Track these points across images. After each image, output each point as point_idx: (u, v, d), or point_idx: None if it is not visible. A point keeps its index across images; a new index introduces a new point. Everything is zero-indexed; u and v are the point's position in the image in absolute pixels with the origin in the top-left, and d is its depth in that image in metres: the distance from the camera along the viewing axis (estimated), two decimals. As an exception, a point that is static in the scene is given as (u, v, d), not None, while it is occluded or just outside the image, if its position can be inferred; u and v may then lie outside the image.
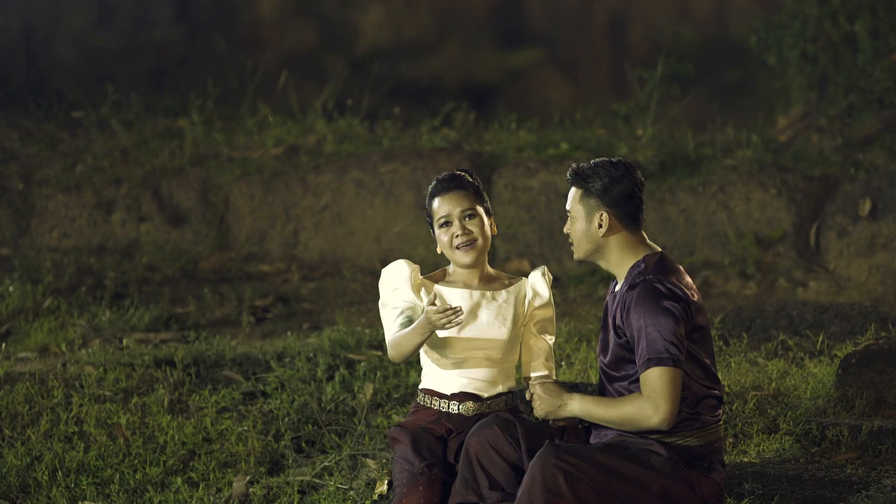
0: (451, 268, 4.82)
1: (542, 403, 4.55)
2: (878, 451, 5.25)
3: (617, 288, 4.53)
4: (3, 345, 7.32)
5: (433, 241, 4.83)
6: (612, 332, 4.49)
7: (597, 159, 4.54)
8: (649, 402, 4.34)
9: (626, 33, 12.01)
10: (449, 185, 4.75)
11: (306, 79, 11.55)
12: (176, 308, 8.31)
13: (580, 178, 4.52)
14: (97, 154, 10.27)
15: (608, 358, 4.51)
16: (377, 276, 4.84)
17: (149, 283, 8.94)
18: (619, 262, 4.52)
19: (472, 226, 4.72)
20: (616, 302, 4.49)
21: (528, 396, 4.60)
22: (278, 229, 9.66)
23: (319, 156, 9.89)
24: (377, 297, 4.80)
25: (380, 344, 6.73)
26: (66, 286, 8.68)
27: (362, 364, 6.45)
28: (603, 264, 4.56)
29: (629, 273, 4.48)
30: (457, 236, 4.72)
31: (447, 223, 4.73)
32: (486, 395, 4.72)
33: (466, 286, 4.75)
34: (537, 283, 4.79)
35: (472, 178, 4.80)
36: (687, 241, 8.95)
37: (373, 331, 6.93)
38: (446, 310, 4.44)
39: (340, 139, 10.14)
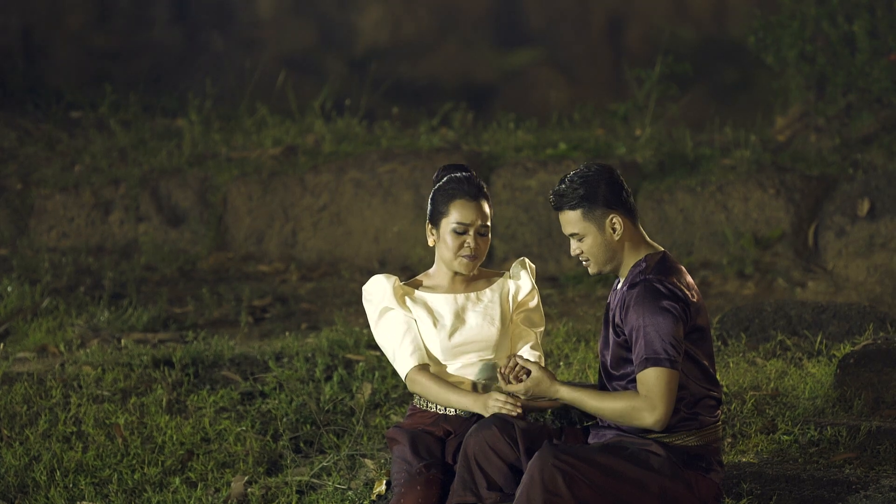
0: (432, 270, 4.81)
1: (530, 380, 4.48)
2: (877, 452, 5.25)
3: (619, 286, 4.53)
4: (2, 345, 7.31)
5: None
6: (611, 330, 4.49)
7: (565, 176, 4.47)
8: (645, 403, 4.33)
9: (624, 33, 12.01)
10: (477, 193, 4.70)
11: (305, 79, 11.55)
12: (174, 308, 8.30)
13: (566, 199, 4.45)
14: (95, 154, 10.27)
15: (609, 356, 4.51)
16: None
17: (147, 284, 8.94)
18: (625, 262, 4.51)
19: (482, 242, 4.72)
20: (617, 300, 4.49)
21: (499, 370, 4.50)
22: (276, 229, 9.65)
23: (318, 156, 9.88)
24: (375, 297, 4.82)
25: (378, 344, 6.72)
26: (65, 286, 8.67)
27: (360, 364, 6.45)
28: (616, 269, 4.53)
29: (630, 272, 4.48)
30: (467, 246, 4.70)
31: (464, 231, 4.71)
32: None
33: (450, 290, 4.75)
34: (519, 276, 4.81)
35: None
36: (685, 241, 8.94)
37: (371, 331, 6.90)
38: (507, 402, 4.48)
39: (339, 139, 10.13)
